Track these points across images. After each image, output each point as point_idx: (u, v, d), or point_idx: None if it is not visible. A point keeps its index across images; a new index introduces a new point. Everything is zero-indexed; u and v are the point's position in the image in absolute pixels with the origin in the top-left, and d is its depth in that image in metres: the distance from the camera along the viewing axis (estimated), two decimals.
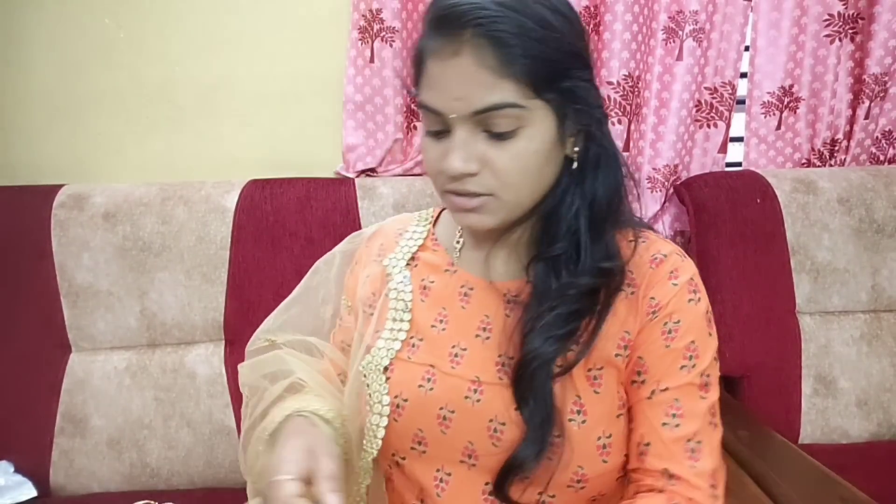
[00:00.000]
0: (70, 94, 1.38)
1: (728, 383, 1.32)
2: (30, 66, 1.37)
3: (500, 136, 0.62)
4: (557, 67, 0.63)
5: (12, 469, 1.18)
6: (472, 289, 0.73)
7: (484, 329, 0.71)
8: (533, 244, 0.71)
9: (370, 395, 0.71)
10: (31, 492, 1.16)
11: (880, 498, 0.94)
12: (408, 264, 0.78)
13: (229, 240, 1.27)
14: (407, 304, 0.74)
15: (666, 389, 0.66)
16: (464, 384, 0.69)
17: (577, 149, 0.67)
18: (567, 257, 0.67)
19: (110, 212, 1.26)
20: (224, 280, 1.27)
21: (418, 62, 0.65)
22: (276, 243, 1.28)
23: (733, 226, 1.33)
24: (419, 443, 0.69)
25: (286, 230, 1.28)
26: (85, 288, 1.25)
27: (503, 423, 0.66)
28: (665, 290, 0.67)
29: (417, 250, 0.79)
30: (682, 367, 0.66)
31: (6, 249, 1.25)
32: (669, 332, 0.67)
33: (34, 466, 1.20)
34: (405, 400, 0.70)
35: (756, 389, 1.31)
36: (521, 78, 0.60)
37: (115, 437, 1.23)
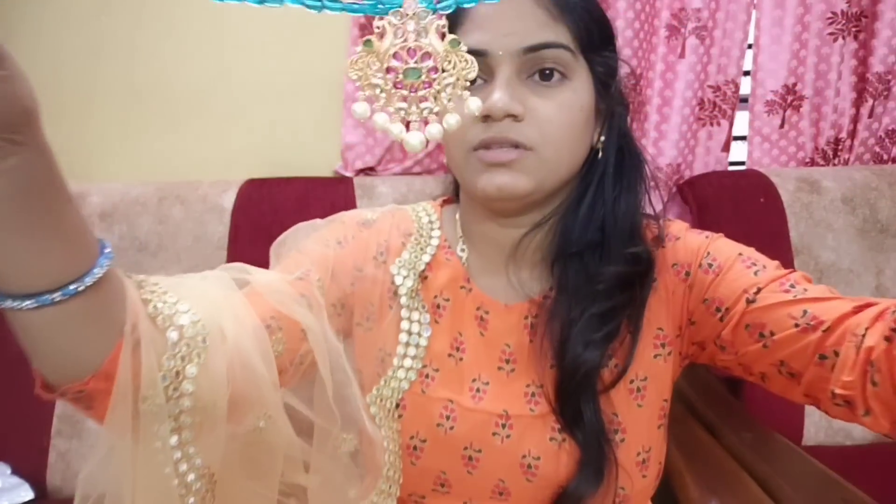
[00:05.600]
0: (66, 93, 1.36)
1: (731, 385, 1.31)
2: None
3: (546, 82, 0.60)
4: (603, 32, 0.63)
5: (9, 471, 1.17)
6: (487, 312, 0.67)
7: (507, 361, 0.65)
8: (550, 253, 0.66)
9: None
10: (28, 494, 1.15)
11: (884, 500, 0.93)
12: (419, 276, 0.68)
13: (227, 240, 1.26)
14: (423, 326, 0.66)
15: (758, 290, 0.58)
16: (490, 419, 0.63)
17: (602, 138, 0.65)
18: (592, 252, 0.63)
19: (107, 211, 1.25)
20: None
21: (456, 12, 0.62)
22: None
23: (736, 225, 1.31)
24: (442, 484, 0.64)
25: (284, 230, 1.24)
26: None
27: (537, 458, 0.61)
28: (682, 254, 0.65)
29: (430, 260, 0.69)
30: (756, 272, 0.60)
31: None
32: (710, 265, 0.63)
33: (31, 468, 1.19)
34: (423, 441, 0.63)
35: (759, 391, 1.25)
36: (574, 27, 0.60)
37: None
